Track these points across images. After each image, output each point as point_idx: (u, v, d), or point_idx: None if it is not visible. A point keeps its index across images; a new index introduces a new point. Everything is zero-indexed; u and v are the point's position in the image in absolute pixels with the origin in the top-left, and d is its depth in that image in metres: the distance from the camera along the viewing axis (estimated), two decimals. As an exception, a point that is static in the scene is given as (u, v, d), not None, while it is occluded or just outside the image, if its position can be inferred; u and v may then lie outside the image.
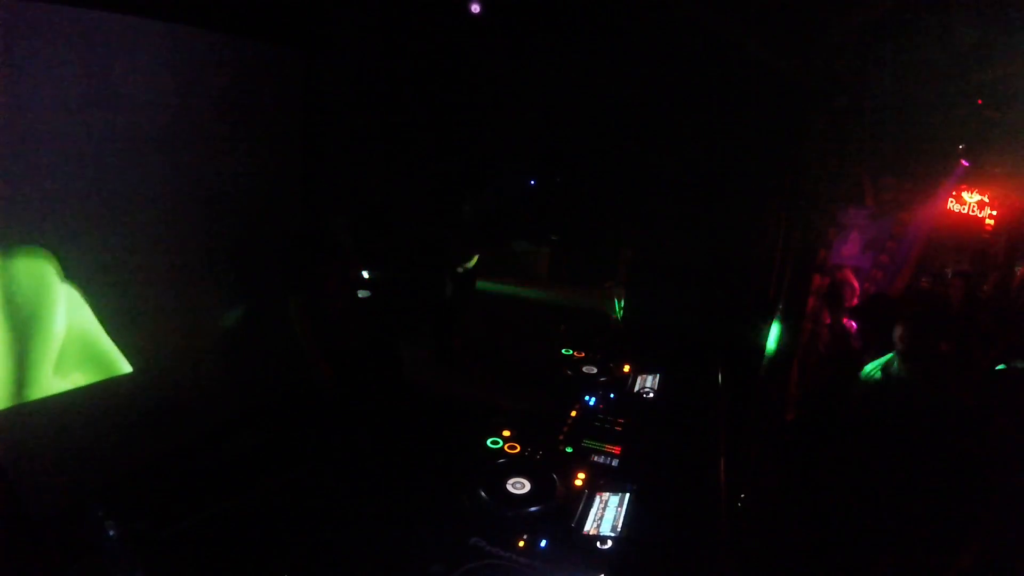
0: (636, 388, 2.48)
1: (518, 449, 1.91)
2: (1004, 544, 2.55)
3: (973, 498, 2.68)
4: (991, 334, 3.97)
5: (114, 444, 2.59)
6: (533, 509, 1.61)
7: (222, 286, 3.10)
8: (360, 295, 2.84)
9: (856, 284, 4.67)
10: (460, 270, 2.50)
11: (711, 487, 1.93)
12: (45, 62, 2.21)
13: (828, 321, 4.47)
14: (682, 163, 4.25)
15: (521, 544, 1.48)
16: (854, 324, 4.44)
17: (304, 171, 3.52)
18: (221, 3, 2.82)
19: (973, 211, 6.55)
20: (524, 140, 4.57)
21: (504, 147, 4.48)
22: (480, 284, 3.35)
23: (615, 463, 1.89)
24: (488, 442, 1.93)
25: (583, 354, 2.71)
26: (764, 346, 4.15)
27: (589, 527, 1.57)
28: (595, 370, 2.55)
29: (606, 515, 1.62)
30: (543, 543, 1.49)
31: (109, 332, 2.58)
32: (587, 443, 1.99)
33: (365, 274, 2.92)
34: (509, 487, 1.67)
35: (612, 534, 1.55)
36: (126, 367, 2.64)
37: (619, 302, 4.70)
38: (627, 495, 1.68)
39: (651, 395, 2.43)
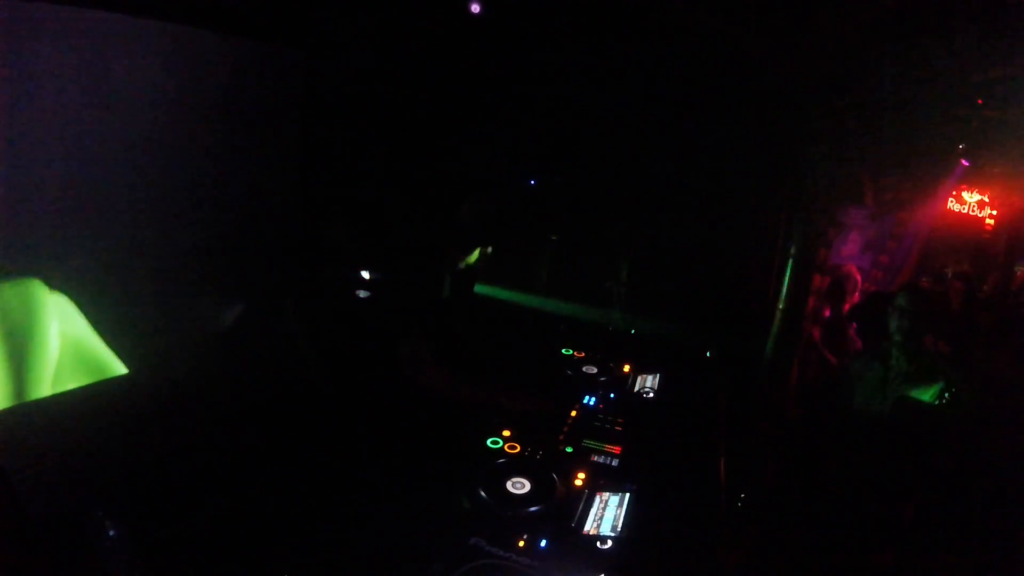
0: (636, 388, 2.48)
1: (518, 449, 1.91)
2: (1004, 544, 2.55)
3: (974, 497, 2.68)
4: (991, 334, 3.97)
5: (114, 444, 2.59)
6: (533, 509, 1.61)
7: (221, 286, 3.10)
8: (360, 295, 2.84)
9: (859, 278, 4.67)
10: (461, 266, 2.50)
11: (711, 487, 1.93)
12: (45, 62, 2.21)
13: (827, 314, 4.47)
14: (682, 163, 4.25)
15: (521, 544, 1.48)
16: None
17: (303, 171, 3.52)
18: (221, 3, 2.82)
19: (973, 211, 6.55)
20: (524, 140, 4.57)
21: (504, 147, 4.48)
22: (478, 288, 3.35)
23: (615, 463, 1.89)
24: (488, 442, 1.93)
25: (583, 354, 2.70)
26: (764, 346, 4.15)
27: (589, 527, 1.58)
28: (595, 370, 2.55)
29: (606, 515, 1.62)
30: (543, 543, 1.49)
31: (109, 332, 2.58)
32: (587, 443, 1.99)
33: (365, 274, 2.92)
34: (509, 487, 1.67)
35: (612, 534, 1.55)
36: (125, 367, 2.64)
37: (619, 302, 4.70)
38: (627, 495, 1.68)
39: (651, 395, 2.43)
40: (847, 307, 4.50)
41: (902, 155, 5.13)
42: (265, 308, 3.06)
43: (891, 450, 2.86)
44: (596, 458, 1.92)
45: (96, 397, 2.52)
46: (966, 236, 6.50)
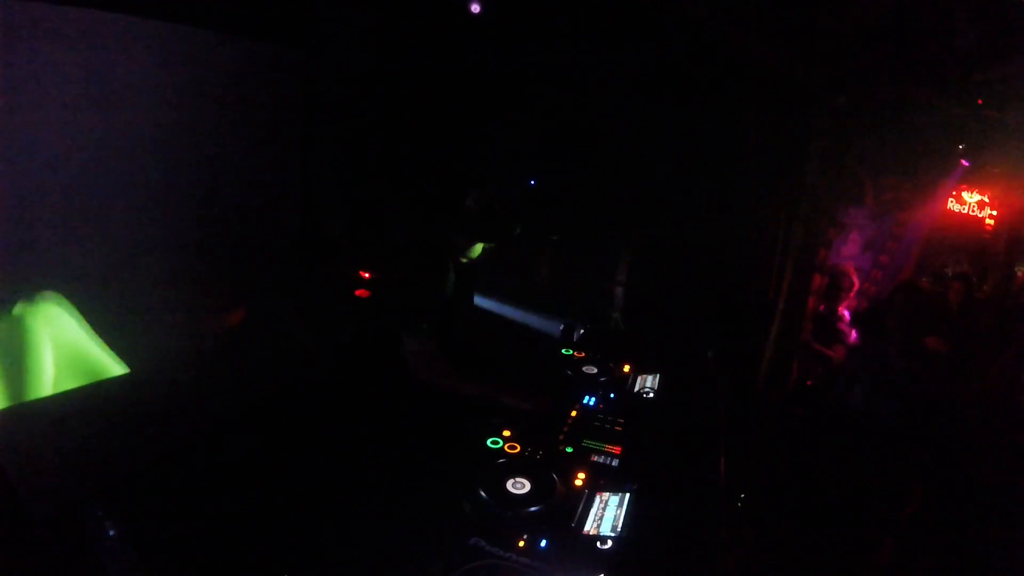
0: (636, 388, 2.48)
1: (518, 449, 1.91)
2: (1004, 544, 2.55)
3: (974, 497, 2.68)
4: (990, 335, 3.97)
5: (114, 444, 2.59)
6: (533, 509, 1.61)
7: (221, 286, 3.10)
8: (359, 295, 2.84)
9: (855, 277, 4.69)
10: (464, 260, 2.49)
11: (711, 487, 1.93)
12: (45, 62, 2.21)
13: (821, 309, 4.49)
14: (682, 163, 4.25)
15: (521, 544, 1.48)
16: (847, 314, 4.47)
17: (303, 171, 3.52)
18: (221, 3, 2.82)
19: (973, 211, 6.55)
20: (524, 140, 4.57)
21: (504, 147, 4.48)
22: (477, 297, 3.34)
23: (615, 463, 1.89)
24: (488, 442, 1.93)
25: (583, 354, 2.70)
26: (764, 346, 4.15)
27: (589, 527, 1.57)
28: (595, 370, 2.55)
29: (606, 515, 1.61)
30: (543, 543, 1.49)
31: (109, 331, 2.58)
32: (587, 443, 1.99)
33: (365, 274, 2.92)
34: (509, 487, 1.67)
35: (612, 534, 1.54)
36: (125, 367, 2.64)
37: (619, 302, 4.70)
38: (627, 495, 1.68)
39: (651, 395, 2.43)
40: (842, 306, 4.52)
41: (902, 155, 5.13)
42: (265, 308, 3.06)
43: (891, 450, 2.86)
44: (596, 458, 1.92)
45: (96, 397, 2.52)
46: (966, 236, 6.51)
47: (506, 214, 2.40)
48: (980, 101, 4.19)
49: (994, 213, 6.49)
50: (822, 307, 4.52)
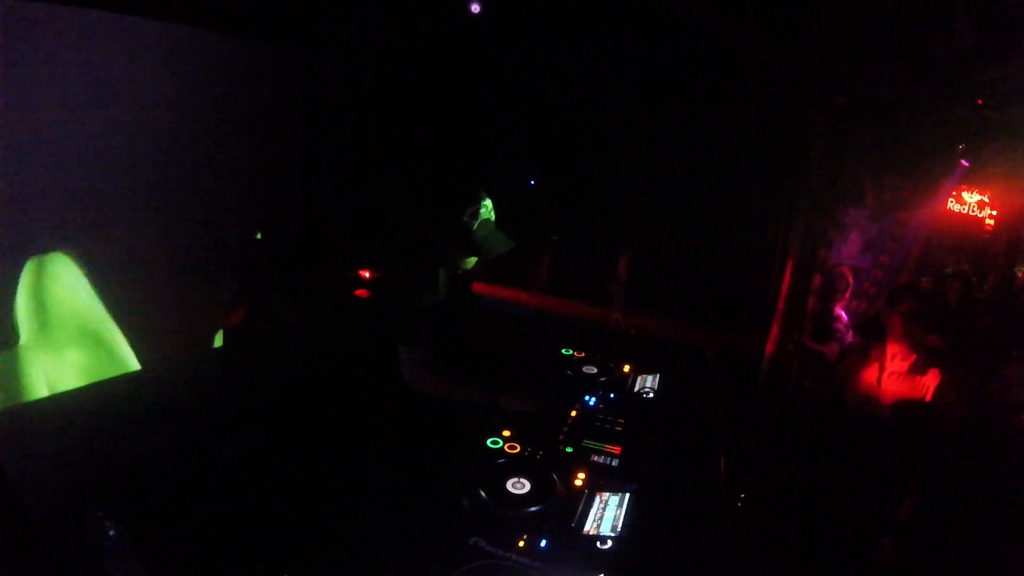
0: (636, 388, 2.47)
1: (518, 449, 1.90)
2: (1004, 544, 2.55)
3: (974, 496, 2.68)
4: (990, 335, 3.97)
5: (114, 444, 2.59)
6: (533, 509, 1.61)
7: (222, 286, 3.09)
8: (359, 295, 2.84)
9: (851, 278, 4.70)
10: (462, 265, 2.49)
11: (711, 487, 1.93)
12: (45, 62, 2.21)
13: (816, 308, 4.49)
14: (682, 163, 4.25)
15: (521, 544, 1.48)
16: (843, 314, 4.48)
17: (303, 171, 3.52)
18: (221, 3, 2.82)
19: (973, 211, 6.55)
20: (524, 140, 4.57)
21: (504, 147, 4.48)
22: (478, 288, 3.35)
23: (615, 463, 1.89)
24: (488, 442, 1.92)
25: (583, 354, 2.70)
26: (764, 346, 4.15)
27: (589, 527, 1.57)
28: (595, 370, 2.55)
29: (606, 515, 1.61)
30: (543, 543, 1.49)
31: (109, 331, 2.58)
32: (587, 443, 1.99)
33: (365, 274, 2.92)
34: (509, 487, 1.67)
35: (612, 534, 1.54)
36: (126, 367, 2.65)
37: (619, 302, 4.70)
38: (627, 495, 1.68)
39: (651, 395, 2.43)
40: (838, 307, 4.52)
41: (902, 155, 5.13)
42: (265, 308, 3.06)
43: (891, 450, 2.86)
44: (596, 458, 1.91)
45: (96, 397, 2.53)
46: (966, 236, 6.51)
47: (502, 231, 2.39)
48: (980, 101, 4.19)
49: (994, 213, 6.49)
50: (818, 307, 4.53)
